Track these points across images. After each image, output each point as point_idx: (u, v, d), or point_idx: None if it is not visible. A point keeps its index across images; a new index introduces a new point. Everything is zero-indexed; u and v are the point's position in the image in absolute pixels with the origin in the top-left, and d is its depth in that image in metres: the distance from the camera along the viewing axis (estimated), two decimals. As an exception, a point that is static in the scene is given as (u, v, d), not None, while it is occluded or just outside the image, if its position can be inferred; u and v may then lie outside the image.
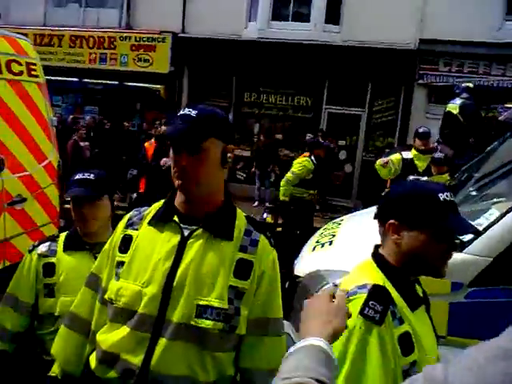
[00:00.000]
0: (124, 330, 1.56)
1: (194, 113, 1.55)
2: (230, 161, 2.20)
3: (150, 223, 1.65)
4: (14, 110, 4.37)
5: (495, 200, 3.29)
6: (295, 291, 3.23)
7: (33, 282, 2.28)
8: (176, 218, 1.61)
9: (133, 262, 1.61)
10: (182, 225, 1.60)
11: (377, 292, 1.48)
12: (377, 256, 1.66)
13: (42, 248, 2.33)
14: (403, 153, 5.94)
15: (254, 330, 1.61)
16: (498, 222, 2.73)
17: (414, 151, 5.91)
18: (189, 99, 12.95)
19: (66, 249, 2.30)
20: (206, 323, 1.51)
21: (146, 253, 1.60)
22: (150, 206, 1.75)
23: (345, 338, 1.41)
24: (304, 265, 3.39)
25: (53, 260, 2.28)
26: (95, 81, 13.20)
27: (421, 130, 6.01)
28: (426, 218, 1.52)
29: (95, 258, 2.16)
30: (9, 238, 4.32)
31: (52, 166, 4.90)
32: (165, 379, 1.50)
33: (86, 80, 13.30)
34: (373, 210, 4.52)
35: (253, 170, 11.75)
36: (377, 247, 1.69)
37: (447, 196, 1.54)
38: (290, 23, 11.98)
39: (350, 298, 1.49)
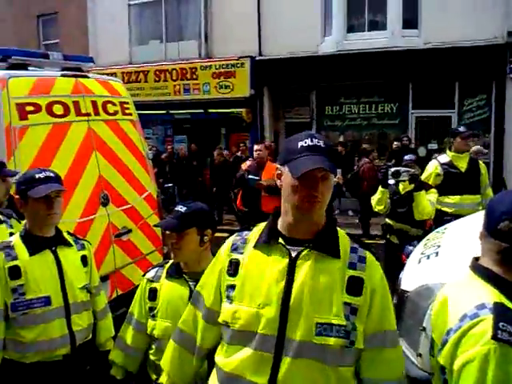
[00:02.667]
0: (245, 352, 1.62)
1: None
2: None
3: (255, 247, 1.72)
4: (112, 148, 4.65)
5: None
6: (404, 306, 3.10)
7: (142, 304, 2.47)
8: (281, 241, 1.67)
9: (245, 285, 1.68)
10: (288, 246, 1.66)
11: (503, 311, 1.40)
12: (482, 270, 1.55)
13: (151, 273, 2.51)
14: (439, 158, 5.65)
15: (374, 343, 1.64)
16: None
17: (450, 152, 5.60)
18: (270, 119, 13.11)
19: (167, 276, 2.44)
20: (328, 340, 1.55)
21: (256, 275, 1.66)
22: (250, 229, 1.82)
23: (481, 365, 1.35)
24: (411, 278, 3.27)
25: (156, 285, 2.44)
26: (182, 111, 13.73)
27: (463, 129, 5.72)
28: None
29: (190, 287, 2.33)
30: (119, 269, 4.57)
31: (152, 196, 5.14)
32: None
33: (172, 111, 13.88)
34: (476, 215, 4.27)
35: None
36: (476, 259, 1.61)
37: None
38: (366, 33, 11.84)
39: (472, 321, 1.41)
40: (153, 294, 2.43)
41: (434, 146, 11.70)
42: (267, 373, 1.57)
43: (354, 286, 1.61)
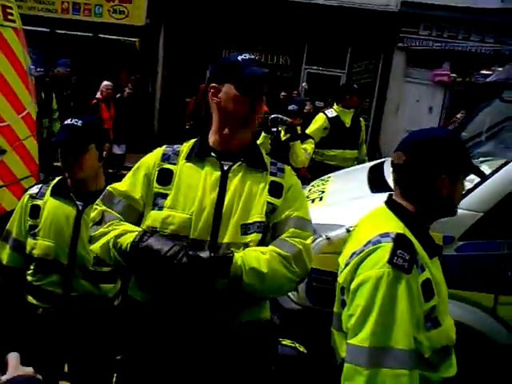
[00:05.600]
0: None
1: None
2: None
3: (188, 159, 1.83)
4: (-10, 57, 4.18)
5: (484, 158, 3.36)
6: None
7: (22, 221, 2.31)
8: (213, 154, 1.81)
9: (178, 194, 1.77)
10: (221, 161, 1.80)
11: (402, 241, 1.53)
12: (393, 204, 1.69)
13: (34, 189, 2.34)
14: (326, 112, 5.91)
15: (280, 227, 1.78)
16: (489, 178, 2.79)
17: (338, 107, 5.87)
18: (164, 53, 12.62)
19: (52, 193, 2.30)
20: (250, 237, 1.72)
21: (189, 185, 1.77)
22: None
23: (372, 286, 1.47)
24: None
25: (39, 202, 2.29)
26: (69, 32, 12.67)
27: (356, 87, 6.03)
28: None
29: (77, 207, 2.25)
30: (-12, 190, 4.21)
31: (30, 116, 4.74)
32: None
33: (58, 31, 12.76)
34: (361, 167, 4.56)
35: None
36: (390, 195, 1.73)
37: None
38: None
39: (373, 246, 1.53)
40: (35, 212, 2.27)
41: (321, 103, 12.14)
42: None
43: (275, 189, 1.81)
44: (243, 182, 1.78)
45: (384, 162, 4.07)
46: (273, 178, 1.83)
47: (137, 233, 1.68)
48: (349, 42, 11.80)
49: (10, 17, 4.43)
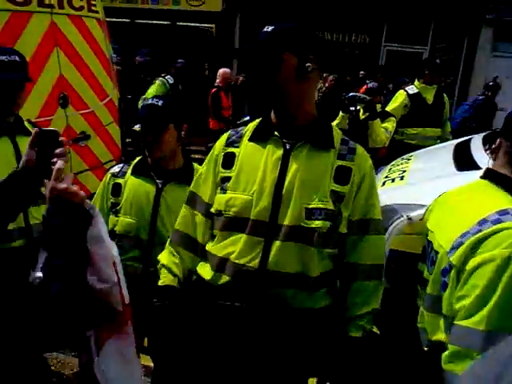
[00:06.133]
0: (238, 237, 1.70)
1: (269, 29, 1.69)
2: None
3: (251, 140, 1.78)
4: (75, 46, 4.35)
5: None
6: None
7: (105, 199, 2.40)
8: (276, 133, 1.74)
9: (240, 175, 1.74)
10: (283, 139, 1.73)
11: None
12: (497, 176, 1.58)
13: (116, 168, 2.43)
14: (407, 88, 5.64)
15: (357, 229, 1.75)
16: None
17: (419, 84, 5.57)
18: (241, 40, 12.66)
19: (133, 172, 2.37)
20: (316, 223, 1.65)
21: (251, 166, 1.73)
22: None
23: (497, 267, 1.37)
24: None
25: (121, 181, 2.36)
26: (148, 21, 13.05)
27: (438, 62, 5.82)
28: None
29: (157, 185, 2.30)
30: (75, 175, 4.41)
31: (113, 103, 4.92)
32: (281, 276, 1.66)
33: (137, 21, 13.17)
34: (446, 144, 4.33)
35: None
36: (489, 169, 1.63)
37: None
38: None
39: (495, 226, 1.42)
40: (117, 190, 2.35)
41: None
42: (259, 256, 1.67)
43: (342, 175, 1.71)
44: (306, 163, 1.69)
45: (471, 139, 3.83)
46: (340, 162, 1.72)
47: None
48: (431, 16, 11.22)
49: (93, 7, 4.59)
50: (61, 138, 1.51)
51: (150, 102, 2.29)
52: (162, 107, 2.25)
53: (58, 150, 1.45)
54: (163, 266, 1.90)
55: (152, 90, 7.87)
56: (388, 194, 3.06)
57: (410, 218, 2.75)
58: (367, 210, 1.75)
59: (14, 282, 2.31)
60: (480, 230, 1.44)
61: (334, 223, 1.68)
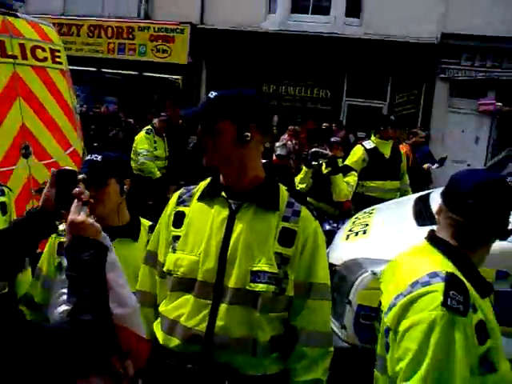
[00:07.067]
0: (186, 298, 1.69)
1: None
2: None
3: (199, 199, 1.79)
4: (38, 97, 4.33)
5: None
6: (331, 279, 3.18)
7: (51, 261, 2.28)
8: (223, 194, 1.74)
9: (188, 235, 1.74)
10: (229, 200, 1.73)
11: (454, 281, 1.44)
12: (437, 240, 1.59)
13: (60, 227, 2.31)
14: (364, 143, 5.86)
15: (299, 292, 1.71)
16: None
17: (376, 139, 5.81)
18: (207, 91, 12.89)
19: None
20: (260, 287, 1.63)
21: (199, 226, 1.74)
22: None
23: (425, 329, 1.39)
24: (339, 253, 3.35)
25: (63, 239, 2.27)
26: (114, 71, 13.17)
27: (393, 118, 6.14)
28: None
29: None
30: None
31: (77, 153, 4.85)
32: (229, 341, 1.64)
33: (104, 70, 13.28)
34: (406, 199, 4.42)
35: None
36: (432, 231, 1.65)
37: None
38: (309, 16, 11.92)
39: (424, 288, 1.44)
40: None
41: (362, 134, 12.02)
42: (206, 319, 1.65)
43: (287, 237, 1.69)
44: (251, 224, 1.69)
45: (430, 193, 3.94)
46: (285, 224, 1.70)
47: None
48: (389, 72, 11.73)
49: (57, 59, 4.62)
50: (79, 177, 1.54)
51: (89, 157, 2.22)
52: (102, 162, 2.18)
53: (75, 190, 1.46)
54: None
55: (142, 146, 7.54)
56: (352, 247, 3.10)
57: (374, 273, 2.78)
58: (309, 273, 1.72)
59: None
60: (411, 292, 1.47)
61: (279, 286, 1.65)
